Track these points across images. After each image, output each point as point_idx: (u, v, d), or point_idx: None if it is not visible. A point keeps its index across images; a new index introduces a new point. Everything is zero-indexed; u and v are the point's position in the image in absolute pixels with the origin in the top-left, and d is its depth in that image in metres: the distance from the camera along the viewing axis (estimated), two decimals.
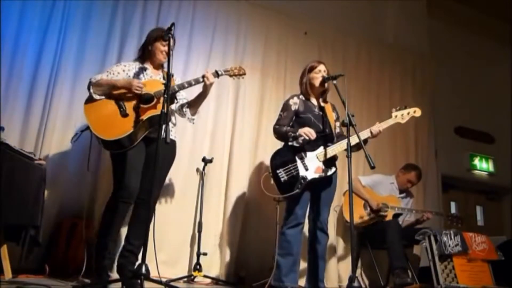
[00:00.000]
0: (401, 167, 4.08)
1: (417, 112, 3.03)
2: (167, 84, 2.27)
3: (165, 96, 2.23)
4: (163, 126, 2.14)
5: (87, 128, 2.51)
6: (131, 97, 2.49)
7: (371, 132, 2.80)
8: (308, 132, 2.69)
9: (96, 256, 2.43)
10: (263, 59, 4.22)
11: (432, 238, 3.44)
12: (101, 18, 3.51)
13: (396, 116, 2.97)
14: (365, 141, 2.84)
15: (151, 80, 2.62)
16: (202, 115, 3.76)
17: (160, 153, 2.45)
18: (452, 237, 3.48)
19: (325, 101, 2.98)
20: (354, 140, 2.65)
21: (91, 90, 2.50)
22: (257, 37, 4.24)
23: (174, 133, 2.70)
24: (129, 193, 2.47)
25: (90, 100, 2.52)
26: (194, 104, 2.78)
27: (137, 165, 2.51)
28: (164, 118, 2.15)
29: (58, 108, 3.21)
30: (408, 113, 3.00)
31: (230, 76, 2.81)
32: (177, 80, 2.74)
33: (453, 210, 5.84)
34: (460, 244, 3.47)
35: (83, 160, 3.14)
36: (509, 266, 3.63)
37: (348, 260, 3.92)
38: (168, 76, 2.28)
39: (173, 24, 2.38)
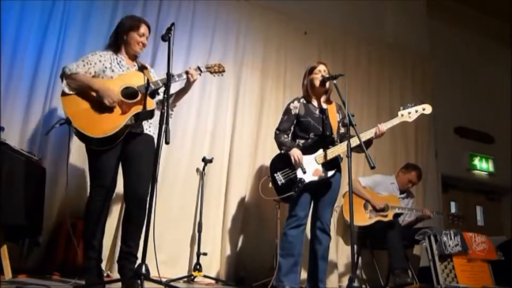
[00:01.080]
0: (401, 167, 4.09)
1: (427, 109, 2.86)
2: (167, 85, 2.25)
3: (165, 96, 2.22)
4: (163, 126, 2.11)
5: (65, 121, 2.38)
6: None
7: (375, 133, 2.77)
8: (296, 158, 2.70)
9: (84, 257, 2.39)
10: (263, 59, 4.22)
11: (432, 238, 3.44)
12: (101, 18, 3.50)
13: (402, 115, 2.87)
14: (370, 141, 2.82)
15: (132, 72, 2.54)
16: (202, 115, 3.76)
17: (141, 149, 2.45)
18: (452, 237, 3.48)
19: (328, 102, 2.97)
20: (356, 141, 2.59)
21: (64, 82, 2.40)
22: (257, 37, 4.24)
23: (153, 129, 2.59)
24: (105, 190, 2.39)
25: (67, 92, 2.40)
26: (175, 99, 2.71)
27: (114, 161, 2.42)
28: (166, 118, 2.12)
29: (58, 108, 3.20)
30: (417, 111, 2.86)
31: (211, 73, 2.78)
32: (151, 72, 2.66)
33: (453, 210, 5.84)
34: (460, 244, 3.48)
35: (83, 160, 3.15)
36: (509, 266, 3.64)
37: (348, 260, 3.92)
38: (168, 77, 2.26)
39: (173, 24, 2.36)
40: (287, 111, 2.92)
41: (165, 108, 2.15)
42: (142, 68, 2.61)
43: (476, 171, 6.14)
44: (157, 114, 2.72)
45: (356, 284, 2.30)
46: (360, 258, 3.97)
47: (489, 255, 3.62)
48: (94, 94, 2.37)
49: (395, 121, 2.87)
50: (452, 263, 3.42)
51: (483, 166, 6.18)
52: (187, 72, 2.59)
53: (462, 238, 3.52)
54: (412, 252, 4.27)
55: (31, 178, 2.47)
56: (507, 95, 6.27)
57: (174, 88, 2.74)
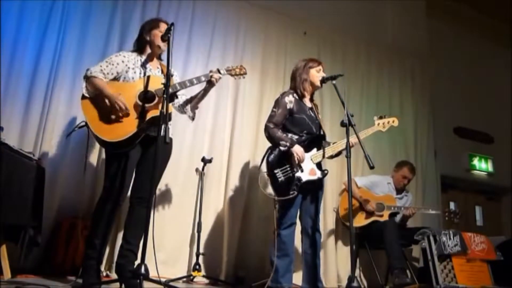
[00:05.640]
0: (393, 167, 4.09)
1: (395, 122, 3.05)
2: (167, 84, 2.25)
3: (165, 96, 2.22)
4: (163, 126, 2.12)
5: (85, 125, 2.43)
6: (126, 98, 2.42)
7: (350, 142, 2.66)
8: (300, 156, 2.66)
9: (84, 255, 2.40)
10: (263, 59, 4.22)
11: (431, 238, 3.44)
12: (101, 18, 3.50)
13: (378, 124, 3.00)
14: (339, 153, 2.84)
15: (152, 76, 2.54)
16: (201, 115, 3.76)
17: (159, 152, 2.44)
18: (451, 237, 3.49)
19: (312, 101, 2.98)
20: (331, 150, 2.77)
21: (84, 84, 2.43)
22: (257, 37, 4.24)
23: (171, 131, 2.61)
24: (120, 193, 2.41)
25: (85, 95, 2.43)
26: (197, 102, 2.73)
27: (131, 165, 2.45)
28: (164, 118, 2.14)
29: (58, 108, 3.20)
30: (388, 122, 3.02)
31: (232, 75, 2.76)
32: (175, 76, 2.68)
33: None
34: (459, 244, 3.48)
35: (83, 160, 3.15)
36: (508, 266, 3.64)
37: (347, 260, 3.93)
38: (168, 76, 2.26)
39: (172, 24, 2.36)
40: (281, 104, 2.82)
41: (166, 108, 2.16)
42: (163, 70, 2.60)
43: (475, 171, 6.14)
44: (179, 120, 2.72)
45: (355, 284, 2.30)
46: (358, 259, 3.97)
47: (488, 255, 3.62)
48: (106, 100, 2.39)
49: (374, 129, 2.98)
50: (451, 263, 3.42)
51: (482, 166, 6.19)
52: (211, 76, 2.59)
53: (461, 238, 3.52)
54: (412, 252, 4.27)
55: (30, 178, 2.48)
56: (507, 95, 6.27)
57: (197, 90, 2.75)
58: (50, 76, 3.22)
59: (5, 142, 2.28)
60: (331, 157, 2.89)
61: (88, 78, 2.43)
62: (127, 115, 2.39)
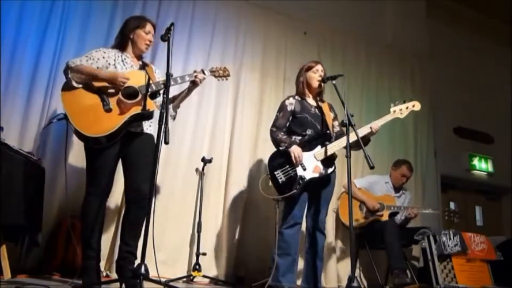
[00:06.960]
0: (391, 166, 4.08)
1: (416, 106, 2.96)
2: (167, 85, 2.24)
3: (165, 96, 2.21)
4: (163, 127, 2.10)
5: (63, 117, 2.38)
6: (112, 92, 2.38)
7: (371, 128, 2.78)
8: (297, 156, 2.68)
9: (83, 256, 2.39)
10: (263, 59, 4.22)
11: (432, 238, 3.44)
12: (100, 18, 3.50)
13: (394, 111, 2.94)
14: (367, 140, 2.83)
15: (134, 72, 2.52)
16: (201, 115, 3.76)
17: (142, 149, 2.44)
18: (451, 237, 3.49)
19: (321, 101, 2.99)
20: (353, 138, 2.64)
21: (70, 76, 2.37)
22: (257, 37, 4.24)
23: (153, 128, 2.54)
24: (102, 189, 2.38)
25: (69, 87, 2.36)
26: (180, 101, 2.70)
27: (112, 160, 2.41)
28: (165, 117, 2.12)
29: (57, 108, 3.20)
30: (407, 108, 2.95)
31: (215, 77, 2.75)
32: (156, 73, 2.65)
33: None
34: (459, 244, 3.48)
35: (82, 160, 3.15)
36: (508, 266, 3.64)
37: (347, 260, 3.93)
38: (168, 76, 2.25)
39: (172, 24, 2.35)
40: (283, 107, 2.89)
41: (165, 108, 2.15)
42: (146, 68, 2.59)
43: (475, 171, 6.14)
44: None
45: (355, 284, 2.30)
46: (358, 259, 3.96)
47: (488, 255, 3.62)
48: (103, 84, 2.35)
49: (388, 118, 2.92)
50: (451, 263, 3.42)
51: (482, 166, 6.19)
52: (195, 76, 2.57)
53: (461, 238, 3.52)
54: (412, 252, 4.27)
55: (30, 178, 2.47)
56: (507, 95, 6.28)
57: (178, 89, 2.74)
58: (50, 76, 3.22)
59: (5, 142, 2.29)
60: (356, 148, 2.72)
61: (72, 68, 2.38)
62: (110, 110, 2.36)
